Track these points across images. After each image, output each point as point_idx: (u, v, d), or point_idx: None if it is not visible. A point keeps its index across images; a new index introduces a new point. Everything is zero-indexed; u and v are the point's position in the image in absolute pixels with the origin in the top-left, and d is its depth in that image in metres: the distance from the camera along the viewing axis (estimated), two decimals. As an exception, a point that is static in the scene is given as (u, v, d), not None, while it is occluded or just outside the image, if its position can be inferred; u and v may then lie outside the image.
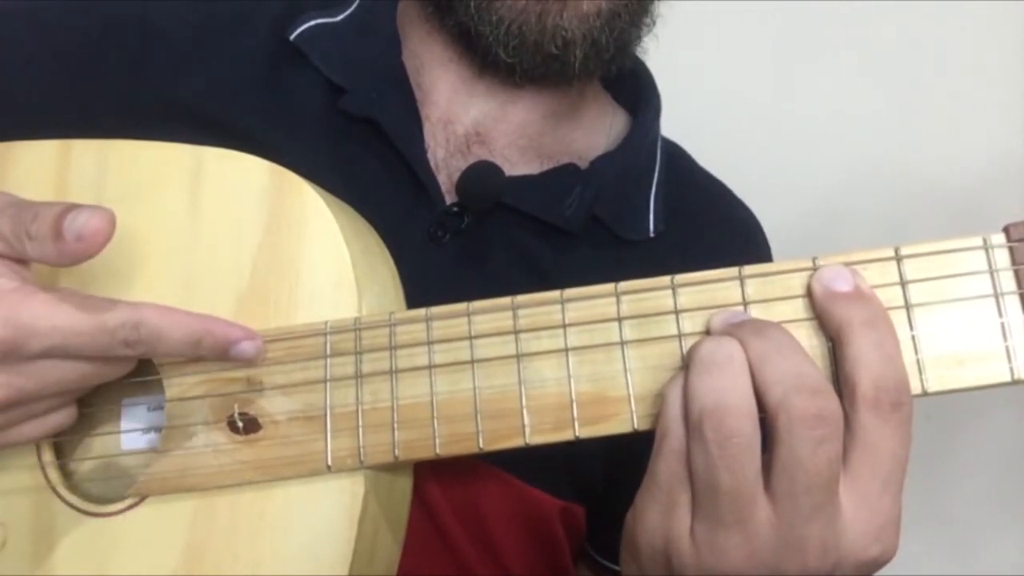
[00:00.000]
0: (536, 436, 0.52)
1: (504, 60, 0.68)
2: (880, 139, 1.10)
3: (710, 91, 1.10)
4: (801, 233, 1.03)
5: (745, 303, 0.51)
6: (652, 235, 0.74)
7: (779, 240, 0.83)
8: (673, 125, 0.82)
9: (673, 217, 0.75)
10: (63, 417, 0.56)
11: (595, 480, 0.70)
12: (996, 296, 0.48)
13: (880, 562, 0.47)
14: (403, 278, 0.62)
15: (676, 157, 0.83)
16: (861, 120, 1.11)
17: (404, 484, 0.59)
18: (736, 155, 0.88)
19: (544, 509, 0.67)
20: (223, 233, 0.59)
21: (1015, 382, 0.47)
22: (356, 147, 0.70)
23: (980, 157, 1.07)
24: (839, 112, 1.11)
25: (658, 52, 0.76)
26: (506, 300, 0.54)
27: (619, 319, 0.52)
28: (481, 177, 0.67)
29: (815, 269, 0.50)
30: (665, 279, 0.52)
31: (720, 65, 1.12)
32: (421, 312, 0.55)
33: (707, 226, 0.78)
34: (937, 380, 0.48)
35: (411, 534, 0.60)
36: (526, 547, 0.68)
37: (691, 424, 0.46)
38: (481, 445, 0.53)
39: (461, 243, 0.69)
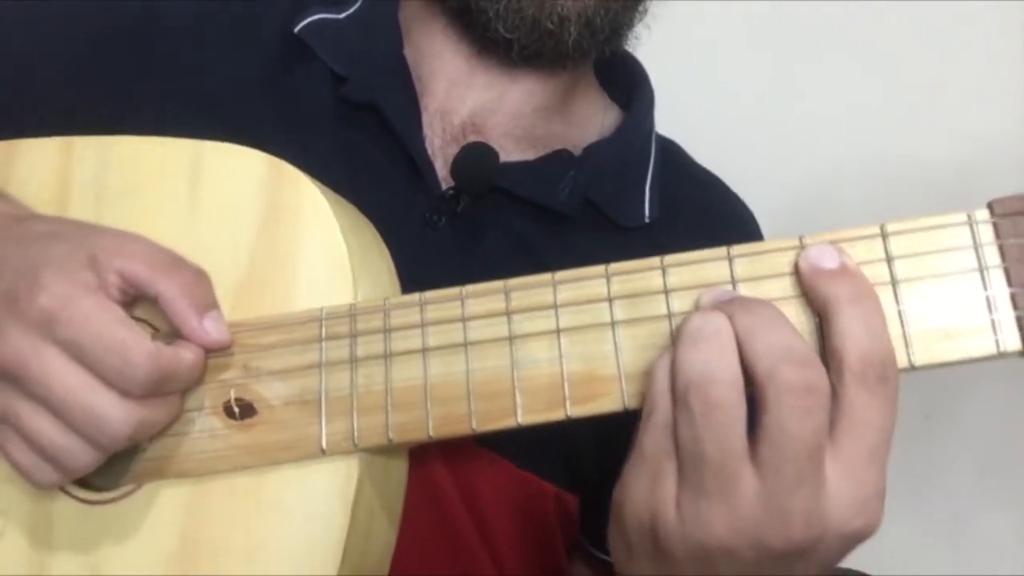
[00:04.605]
0: (528, 416, 0.53)
1: (503, 35, 0.70)
2: (873, 132, 1.11)
3: (703, 88, 1.12)
4: (795, 231, 1.04)
5: (734, 281, 0.51)
6: (647, 221, 0.75)
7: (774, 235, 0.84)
8: (667, 122, 0.83)
9: (668, 206, 0.77)
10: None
11: (588, 467, 0.70)
12: (981, 270, 0.48)
13: (863, 535, 0.47)
14: (399, 262, 0.63)
15: (671, 151, 0.85)
16: (855, 114, 1.13)
17: (400, 469, 0.59)
18: (729, 151, 0.89)
19: (537, 493, 0.68)
20: (221, 224, 0.60)
21: (1001, 355, 0.48)
22: (357, 134, 0.72)
23: (973, 148, 1.08)
24: (832, 106, 1.13)
25: (651, 50, 0.78)
26: (499, 283, 0.55)
27: (610, 299, 0.53)
28: (475, 157, 0.69)
29: (802, 248, 0.50)
30: (655, 260, 0.53)
31: (712, 62, 1.15)
32: (415, 297, 0.56)
33: (702, 215, 0.80)
34: (924, 354, 0.48)
35: (412, 514, 0.61)
36: (518, 529, 0.68)
37: (677, 395, 0.47)
38: (474, 426, 0.53)
39: (456, 227, 0.70)
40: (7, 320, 0.53)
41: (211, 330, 0.55)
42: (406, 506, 0.61)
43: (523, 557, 0.69)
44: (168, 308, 0.55)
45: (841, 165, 1.11)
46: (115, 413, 0.52)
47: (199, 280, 0.56)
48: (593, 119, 0.80)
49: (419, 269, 0.62)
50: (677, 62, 0.97)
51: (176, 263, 0.56)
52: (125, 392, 0.52)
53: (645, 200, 0.76)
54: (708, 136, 0.88)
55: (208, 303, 0.56)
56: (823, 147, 1.13)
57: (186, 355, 0.55)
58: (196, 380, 0.56)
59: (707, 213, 0.81)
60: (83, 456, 0.53)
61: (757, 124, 1.14)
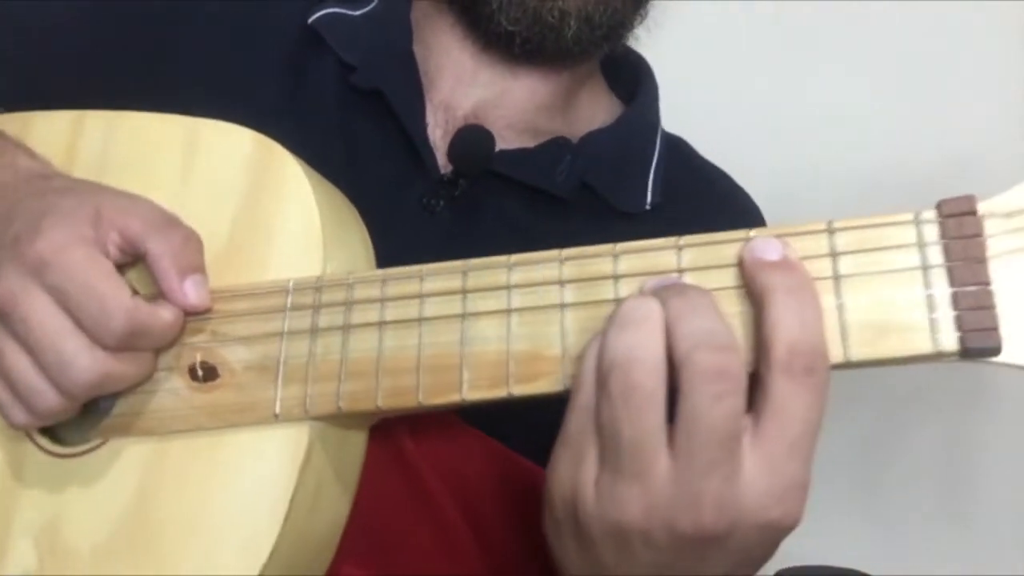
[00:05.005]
0: (472, 392, 0.53)
1: (505, 28, 0.72)
2: (876, 131, 1.12)
3: (706, 86, 1.14)
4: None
5: (680, 270, 0.51)
6: (648, 207, 0.77)
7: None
8: (671, 120, 0.85)
9: (671, 195, 0.78)
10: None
11: None
12: (924, 269, 0.48)
13: (782, 526, 0.47)
14: (397, 246, 0.64)
15: (679, 146, 0.86)
16: (858, 113, 1.14)
17: (357, 443, 0.60)
18: (733, 148, 0.90)
19: (524, 470, 0.67)
20: (208, 197, 0.62)
21: (938, 354, 0.47)
22: (361, 120, 0.74)
23: (977, 150, 1.08)
24: (835, 106, 1.14)
25: (653, 49, 0.80)
26: (458, 263, 0.56)
27: (561, 282, 0.53)
28: (472, 139, 0.72)
29: (750, 239, 0.50)
30: (608, 246, 0.53)
31: (716, 61, 1.17)
32: (378, 272, 0.57)
33: (706, 205, 0.81)
34: (860, 348, 0.48)
35: (392, 494, 0.62)
36: (509, 513, 0.68)
37: (601, 377, 0.47)
38: (420, 399, 0.54)
39: (454, 211, 0.72)
40: (7, 261, 0.56)
41: (190, 293, 0.57)
42: (383, 485, 0.62)
43: (509, 534, 0.68)
44: (153, 267, 0.57)
45: (844, 164, 1.12)
46: (82, 360, 0.54)
47: (188, 242, 0.58)
48: (596, 118, 0.82)
49: (416, 252, 0.63)
50: (680, 62, 0.98)
51: (169, 224, 0.58)
52: (100, 342, 0.54)
53: (648, 187, 0.78)
54: (712, 134, 0.89)
55: (193, 266, 0.58)
56: (826, 146, 1.14)
57: (164, 314, 0.57)
58: (172, 339, 0.58)
59: (711, 204, 0.82)
60: (50, 398, 0.55)
61: (761, 123, 1.16)
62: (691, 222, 0.74)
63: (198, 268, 0.58)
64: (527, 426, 0.62)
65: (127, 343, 0.55)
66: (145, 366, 0.57)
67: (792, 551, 0.55)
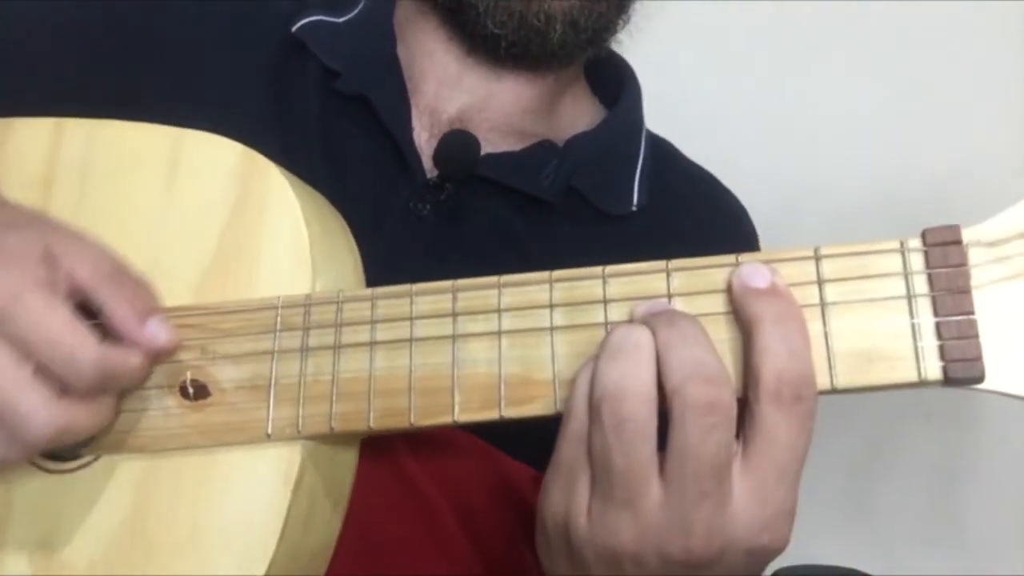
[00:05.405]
0: (464, 414, 0.54)
1: (491, 31, 0.73)
2: (870, 135, 1.13)
3: (697, 89, 1.15)
4: (789, 233, 1.04)
5: (670, 295, 0.52)
6: (635, 208, 0.77)
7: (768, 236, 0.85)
8: (662, 122, 0.86)
9: (657, 195, 0.79)
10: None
11: None
12: (909, 298, 0.49)
13: (770, 551, 0.48)
14: (382, 252, 0.65)
15: (664, 147, 0.87)
16: (850, 117, 1.14)
17: (348, 459, 0.61)
18: (724, 151, 0.90)
19: (525, 481, 0.68)
20: (193, 211, 0.62)
21: (922, 382, 0.48)
22: (345, 125, 0.74)
23: (970, 153, 1.09)
24: (828, 109, 1.15)
25: (646, 51, 0.81)
26: (447, 283, 0.56)
27: (551, 306, 0.54)
28: (457, 144, 0.72)
29: (738, 265, 0.51)
30: (597, 269, 0.54)
31: (706, 64, 1.17)
32: (367, 292, 0.58)
33: (693, 206, 0.82)
34: (846, 376, 0.49)
35: (388, 499, 0.63)
36: (505, 517, 0.68)
37: (592, 407, 0.48)
38: (412, 420, 0.54)
39: (440, 216, 0.72)
40: None
41: (159, 335, 0.56)
42: (379, 491, 0.63)
43: (506, 538, 0.69)
44: (112, 318, 0.55)
45: (841, 166, 1.13)
46: (38, 416, 0.52)
47: (139, 289, 0.57)
48: (580, 121, 0.82)
49: (403, 256, 0.64)
50: (671, 63, 0.98)
51: (119, 272, 0.56)
52: (70, 388, 0.53)
53: (634, 189, 0.78)
54: (701, 136, 0.90)
55: (150, 309, 0.57)
56: (817, 149, 1.14)
57: (132, 359, 0.55)
58: (142, 381, 0.58)
59: (697, 205, 0.83)
60: (7, 449, 0.53)
61: (752, 126, 1.16)
62: (678, 223, 0.77)
63: (155, 310, 0.57)
64: (524, 433, 0.63)
65: (99, 388, 0.54)
66: (105, 414, 0.56)
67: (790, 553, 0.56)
